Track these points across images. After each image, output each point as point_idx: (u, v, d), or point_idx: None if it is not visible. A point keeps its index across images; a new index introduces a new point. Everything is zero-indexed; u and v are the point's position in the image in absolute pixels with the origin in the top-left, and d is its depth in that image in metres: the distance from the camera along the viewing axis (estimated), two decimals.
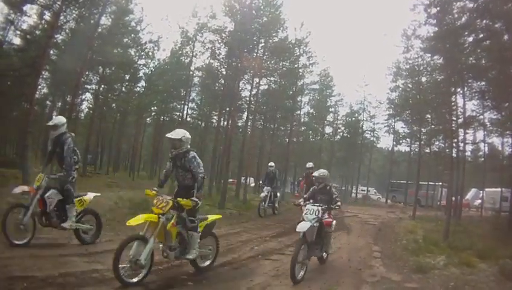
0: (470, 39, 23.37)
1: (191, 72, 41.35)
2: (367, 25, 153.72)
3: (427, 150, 38.19)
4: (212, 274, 9.82)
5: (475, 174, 37.06)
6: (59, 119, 13.08)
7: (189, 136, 10.32)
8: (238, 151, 34.33)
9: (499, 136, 30.97)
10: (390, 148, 53.82)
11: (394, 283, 10.32)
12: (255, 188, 43.43)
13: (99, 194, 13.79)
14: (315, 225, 10.85)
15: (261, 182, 30.26)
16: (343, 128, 56.77)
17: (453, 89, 24.69)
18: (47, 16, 25.68)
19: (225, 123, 38.12)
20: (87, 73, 34.75)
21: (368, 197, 55.93)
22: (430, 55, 28.51)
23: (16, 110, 33.94)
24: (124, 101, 40.72)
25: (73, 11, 27.00)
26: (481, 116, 29.47)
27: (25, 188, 12.07)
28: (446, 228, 18.71)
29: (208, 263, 10.38)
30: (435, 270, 11.73)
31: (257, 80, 35.10)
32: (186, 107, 43.48)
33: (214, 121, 43.99)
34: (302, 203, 12.19)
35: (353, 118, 54.67)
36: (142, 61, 41.76)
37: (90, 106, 42.73)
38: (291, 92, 44.10)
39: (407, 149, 48.71)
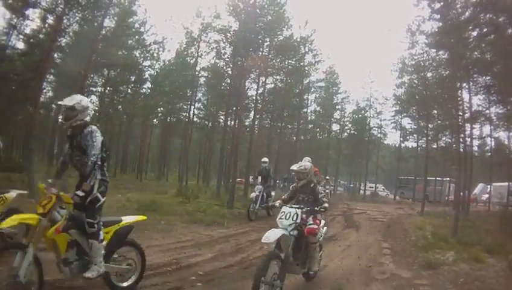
0: (474, 34, 23.46)
1: (197, 73, 41.73)
2: (371, 21, 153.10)
3: (434, 146, 38.21)
4: (221, 275, 9.75)
5: (482, 169, 36.98)
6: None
7: (88, 105, 7.54)
8: (246, 150, 34.50)
9: (506, 130, 30.96)
10: (397, 145, 53.49)
11: (404, 280, 10.30)
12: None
13: (25, 191, 11.77)
14: (292, 233, 8.36)
15: (251, 179, 27.04)
16: (350, 125, 56.81)
17: (459, 84, 24.65)
18: (50, 19, 25.70)
19: (232, 123, 38.44)
20: (92, 75, 34.98)
21: (376, 194, 55.44)
22: (435, 50, 28.56)
23: (21, 114, 33.96)
24: (129, 103, 40.85)
25: (77, 14, 26.97)
26: (487, 111, 29.49)
27: None
28: (455, 224, 18.61)
29: (128, 282, 7.98)
30: (445, 266, 11.71)
31: (263, 78, 35.26)
32: (192, 107, 43.96)
33: (221, 120, 44.58)
34: (277, 204, 9.35)
35: (360, 115, 54.60)
36: (147, 63, 41.90)
37: (96, 108, 42.67)
38: (297, 90, 44.38)
39: (415, 145, 48.43)
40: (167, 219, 17.23)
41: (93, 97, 41.55)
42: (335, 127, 58.60)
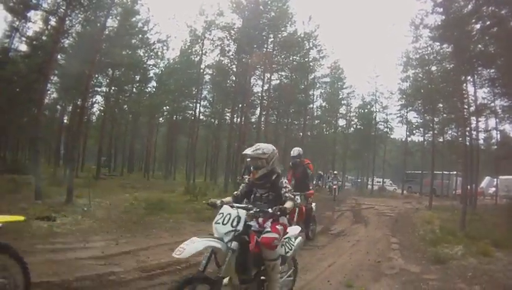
0: (477, 26, 23.38)
1: (202, 70, 41.75)
2: (375, 16, 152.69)
3: (441, 139, 38.21)
4: None
5: (488, 162, 36.99)
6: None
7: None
8: None
9: (511, 123, 30.98)
10: (403, 139, 53.45)
11: (413, 275, 10.29)
12: None
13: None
14: (230, 245, 5.70)
15: (238, 179, 21.54)
16: (356, 120, 56.98)
17: (463, 77, 24.76)
18: (52, 21, 25.75)
19: (238, 120, 38.59)
20: (96, 76, 35.16)
21: (383, 188, 55.60)
22: (439, 44, 28.51)
23: (25, 116, 34.05)
24: (135, 102, 41.01)
25: (79, 15, 27.03)
26: (492, 104, 29.45)
27: None
28: (462, 218, 18.68)
29: None
30: (453, 260, 11.71)
31: (268, 75, 35.47)
32: (198, 105, 44.01)
33: (227, 118, 44.70)
34: (218, 203, 6.42)
35: (366, 110, 54.66)
36: (151, 62, 42.12)
37: (102, 108, 42.87)
38: (303, 86, 44.60)
39: (421, 139, 48.51)
40: (175, 217, 17.29)
41: (98, 97, 41.82)
42: (341, 122, 58.97)
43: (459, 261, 11.63)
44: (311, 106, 51.01)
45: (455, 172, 41.59)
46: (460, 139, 29.02)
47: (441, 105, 34.96)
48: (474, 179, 28.63)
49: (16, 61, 28.05)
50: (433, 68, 34.23)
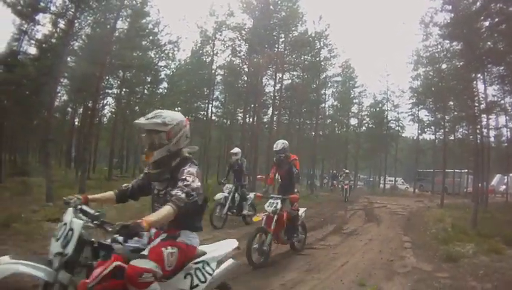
0: (486, 24, 23.38)
1: (213, 71, 41.51)
2: (385, 14, 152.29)
3: (452, 137, 38.17)
4: (243, 271, 9.61)
5: (499, 160, 36.95)
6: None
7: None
8: (265, 147, 34.47)
9: None
10: (415, 137, 53.65)
11: (425, 273, 10.30)
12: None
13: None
14: (58, 277, 3.80)
15: (222, 181, 19.03)
16: (368, 119, 56.94)
17: (473, 74, 24.74)
18: (61, 24, 25.81)
19: (251, 120, 38.57)
20: (107, 77, 35.12)
21: (395, 187, 55.68)
22: (448, 41, 28.47)
23: (35, 119, 34.17)
24: (146, 103, 40.84)
25: (88, 18, 27.11)
26: (502, 101, 29.40)
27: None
28: (474, 216, 18.73)
29: None
30: (465, 258, 11.73)
31: (280, 74, 35.52)
32: (210, 106, 43.68)
33: (239, 118, 44.43)
34: (72, 202, 4.57)
35: (377, 109, 54.66)
36: (162, 63, 41.87)
37: (113, 110, 42.91)
38: (314, 86, 44.47)
39: (432, 137, 48.74)
40: None
41: (109, 99, 41.87)
42: (353, 121, 58.91)
43: (470, 259, 11.65)
44: (323, 105, 50.93)
45: (466, 170, 41.47)
46: (471, 137, 29.03)
47: (452, 103, 34.89)
48: (485, 177, 28.60)
49: (25, 64, 27.99)
50: (444, 66, 34.14)
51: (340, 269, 10.43)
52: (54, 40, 27.06)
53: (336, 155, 56.99)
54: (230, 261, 5.13)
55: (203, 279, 4.57)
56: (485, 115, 27.31)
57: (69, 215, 4.12)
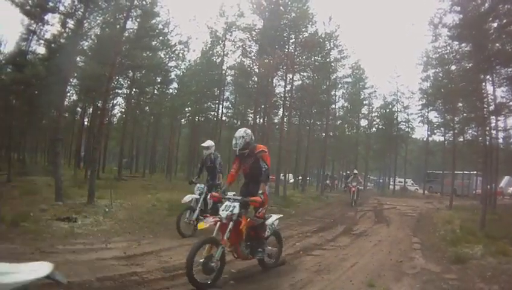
0: (494, 25, 23.31)
1: (224, 72, 41.73)
2: (395, 15, 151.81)
3: (461, 139, 38.11)
4: (253, 272, 9.85)
5: (507, 162, 36.93)
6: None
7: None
8: (276, 148, 34.33)
9: None
10: (425, 139, 52.97)
11: (434, 274, 10.37)
12: (294, 184, 44.89)
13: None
14: None
15: (193, 180, 16.30)
16: (378, 120, 56.81)
17: (482, 76, 24.69)
18: (70, 24, 25.86)
19: (261, 121, 38.66)
20: (117, 77, 35.30)
21: (405, 188, 55.67)
22: (457, 43, 28.42)
23: (45, 119, 34.28)
24: (156, 103, 41.13)
25: (97, 18, 27.17)
26: (511, 103, 29.36)
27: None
28: (482, 217, 18.75)
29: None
30: (473, 260, 11.79)
31: (290, 75, 35.40)
32: (220, 106, 43.93)
33: (250, 119, 44.04)
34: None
35: (387, 110, 54.40)
36: (172, 63, 42.03)
37: (123, 110, 43.15)
38: (324, 87, 44.39)
39: (442, 139, 48.27)
40: None
41: (119, 99, 42.33)
42: (363, 122, 58.70)
43: (478, 261, 11.71)
44: (333, 106, 50.68)
45: (475, 172, 41.12)
46: (479, 138, 29.01)
47: (461, 104, 34.76)
48: (493, 178, 28.56)
49: (34, 64, 28.16)
50: (453, 67, 33.94)
51: (350, 270, 10.50)
52: (63, 40, 27.14)
53: (346, 156, 57.01)
54: None
55: None
56: (493, 117, 27.31)
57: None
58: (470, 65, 26.72)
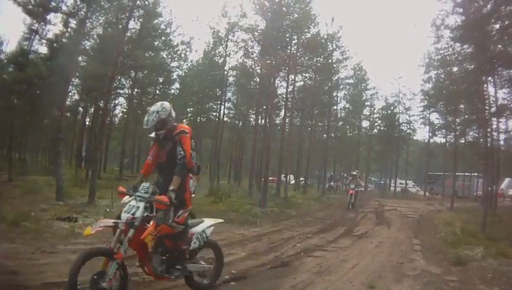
0: (497, 26, 23.32)
1: (226, 72, 41.63)
2: (397, 17, 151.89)
3: (462, 141, 38.12)
4: (254, 273, 9.82)
5: (509, 163, 36.95)
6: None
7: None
8: (277, 148, 34.50)
9: None
10: (426, 140, 53.73)
11: (434, 276, 10.38)
12: (295, 185, 44.66)
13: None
14: None
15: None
16: (379, 121, 56.88)
17: (484, 77, 24.70)
18: (72, 23, 25.85)
19: (263, 121, 38.31)
20: (119, 77, 35.21)
21: (406, 190, 55.79)
22: (459, 44, 28.42)
23: (47, 118, 34.31)
24: None
25: (100, 18, 27.17)
26: None
27: None
28: (483, 219, 18.75)
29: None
30: (474, 262, 11.80)
31: (292, 76, 35.45)
32: (222, 107, 43.91)
33: (252, 119, 44.68)
34: None
35: (389, 111, 54.51)
36: (175, 64, 42.14)
37: (124, 110, 43.26)
38: (326, 88, 44.63)
39: (443, 140, 48.90)
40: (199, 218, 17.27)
41: (121, 99, 42.55)
42: (365, 123, 59.08)
43: (479, 263, 11.74)
44: (335, 107, 50.95)
45: (476, 173, 41.27)
46: (481, 140, 29.00)
47: (463, 106, 34.80)
48: (494, 180, 28.55)
49: (36, 64, 28.11)
50: (455, 69, 33.89)
51: (351, 271, 10.49)
52: (65, 40, 27.14)
53: (347, 157, 57.16)
54: None
55: None
56: (495, 119, 27.34)
57: None
58: (472, 67, 26.69)
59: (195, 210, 18.65)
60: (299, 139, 43.90)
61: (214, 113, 46.36)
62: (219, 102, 44.01)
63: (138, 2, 27.08)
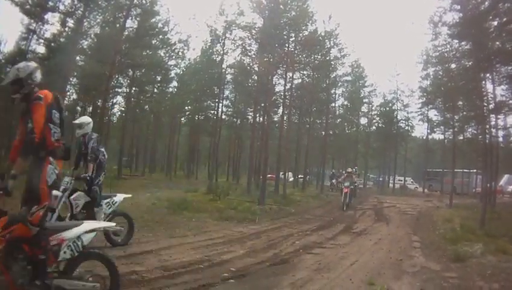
0: (495, 23, 23.34)
1: (223, 70, 41.40)
2: (394, 14, 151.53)
3: (461, 137, 38.12)
4: (253, 271, 9.82)
5: (507, 160, 36.93)
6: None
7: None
8: (276, 146, 34.64)
9: None
10: (424, 137, 53.81)
11: (434, 273, 10.36)
12: (294, 183, 44.55)
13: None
14: None
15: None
16: (378, 118, 57.01)
17: (482, 74, 24.72)
18: (70, 23, 25.84)
19: (261, 119, 38.67)
20: (117, 76, 35.27)
21: (405, 187, 55.72)
22: (457, 41, 28.43)
23: None
24: (156, 102, 41.26)
25: (97, 17, 27.18)
26: (511, 101, 29.38)
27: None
28: (482, 216, 18.80)
29: None
30: (473, 258, 11.80)
31: (290, 74, 35.24)
32: (220, 105, 43.91)
33: (250, 117, 45.08)
34: None
35: (387, 108, 54.60)
36: (172, 62, 42.40)
37: (123, 109, 43.20)
38: (324, 85, 44.66)
39: (441, 137, 48.60)
40: (198, 216, 17.50)
41: (119, 98, 42.39)
42: (363, 120, 59.11)
43: (478, 259, 11.74)
44: (333, 104, 51.04)
45: (475, 170, 40.99)
46: (479, 137, 29.02)
47: (461, 103, 34.87)
48: (493, 177, 28.58)
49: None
50: (453, 66, 33.90)
51: (350, 268, 10.47)
52: (62, 39, 27.14)
53: (346, 154, 57.02)
54: None
55: None
56: (493, 115, 27.34)
57: None
58: (470, 63, 26.76)
59: (195, 208, 18.64)
60: (297, 136, 43.92)
61: (212, 111, 46.52)
62: (217, 100, 44.08)
63: (135, 0, 27.18)
